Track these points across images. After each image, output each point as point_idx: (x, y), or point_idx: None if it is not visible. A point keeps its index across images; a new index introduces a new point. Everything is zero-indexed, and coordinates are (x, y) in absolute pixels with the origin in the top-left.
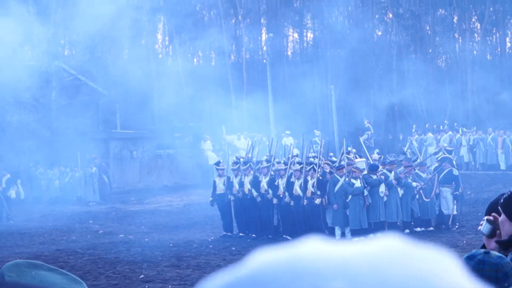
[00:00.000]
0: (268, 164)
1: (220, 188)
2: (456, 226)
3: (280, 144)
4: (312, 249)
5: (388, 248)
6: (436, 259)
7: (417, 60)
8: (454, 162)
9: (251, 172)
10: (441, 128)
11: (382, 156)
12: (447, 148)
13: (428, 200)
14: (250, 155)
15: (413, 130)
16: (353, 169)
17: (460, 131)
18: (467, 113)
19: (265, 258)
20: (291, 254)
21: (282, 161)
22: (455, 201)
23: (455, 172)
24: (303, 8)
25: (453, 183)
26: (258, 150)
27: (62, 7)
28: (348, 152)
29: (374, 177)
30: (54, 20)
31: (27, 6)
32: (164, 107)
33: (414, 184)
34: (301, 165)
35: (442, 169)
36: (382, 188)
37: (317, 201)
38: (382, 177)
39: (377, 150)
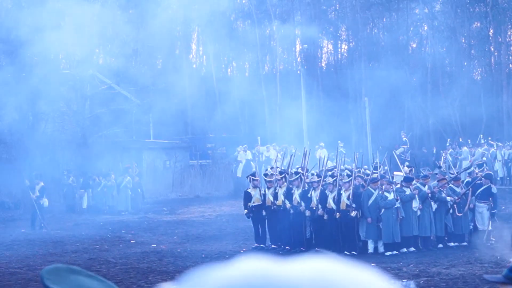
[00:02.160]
0: (298, 176)
1: (257, 199)
2: (492, 241)
3: (314, 156)
4: (251, 268)
5: (321, 268)
6: (365, 280)
7: (452, 73)
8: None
9: (285, 183)
10: (475, 141)
11: (413, 169)
12: (477, 163)
13: (461, 214)
14: (282, 167)
15: (448, 144)
16: (385, 183)
17: (495, 145)
18: (502, 127)
19: (213, 277)
20: (231, 273)
21: (315, 173)
22: (490, 218)
23: (494, 189)
24: (337, 19)
25: (490, 199)
26: (291, 162)
27: (97, 16)
28: (378, 166)
29: (408, 190)
30: (88, 29)
31: (62, 15)
32: (197, 117)
33: (448, 198)
34: (335, 178)
35: (480, 185)
36: (415, 204)
37: (353, 213)
38: (416, 191)
39: (407, 163)
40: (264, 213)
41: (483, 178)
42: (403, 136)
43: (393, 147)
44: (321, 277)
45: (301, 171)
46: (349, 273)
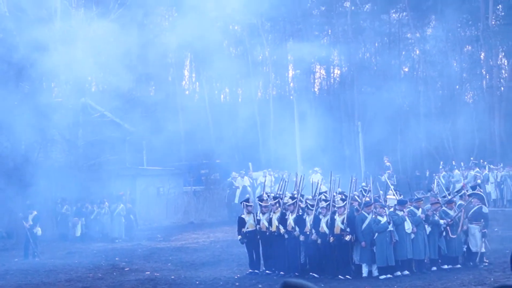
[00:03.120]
0: (295, 201)
1: (251, 225)
2: (485, 264)
3: (308, 181)
4: None
5: None
6: None
7: (444, 96)
8: (485, 199)
9: (279, 209)
10: (468, 164)
11: (401, 196)
12: (471, 185)
13: (455, 236)
14: (280, 192)
15: (440, 167)
16: (378, 206)
17: (487, 168)
18: (494, 149)
19: None
20: None
21: (310, 197)
22: (483, 239)
23: (485, 209)
24: (330, 44)
25: (482, 220)
26: (285, 187)
27: (89, 43)
28: (369, 190)
29: (400, 213)
30: (80, 57)
31: (54, 42)
32: (191, 144)
33: (442, 221)
34: (328, 202)
35: (471, 206)
36: (408, 226)
37: (347, 237)
38: (404, 213)
39: (392, 187)
40: (258, 237)
41: (473, 199)
42: (386, 161)
43: (378, 174)
44: None
45: (296, 196)
46: None
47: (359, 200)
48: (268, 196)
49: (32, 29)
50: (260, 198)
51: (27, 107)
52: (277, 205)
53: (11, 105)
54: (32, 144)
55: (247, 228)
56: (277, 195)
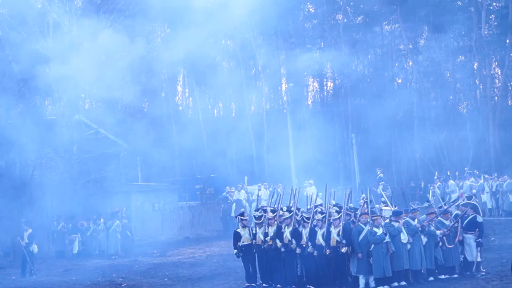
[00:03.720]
0: (291, 214)
1: (247, 238)
2: (482, 273)
3: (303, 193)
4: None
5: None
6: None
7: (438, 107)
8: (479, 208)
9: (275, 222)
10: (463, 174)
11: (396, 207)
12: (467, 195)
13: (452, 246)
14: (275, 206)
15: (435, 178)
16: (374, 217)
17: (482, 177)
18: (489, 159)
19: None
20: None
21: (305, 210)
22: (479, 248)
23: (479, 219)
24: (322, 57)
25: (477, 229)
26: (280, 200)
27: (82, 61)
28: (368, 202)
29: (396, 224)
30: (74, 75)
31: (47, 61)
32: (185, 159)
33: (438, 232)
34: (324, 215)
35: (466, 216)
36: (404, 236)
37: (344, 249)
38: (400, 224)
39: (383, 199)
40: (254, 251)
41: (467, 209)
42: (378, 172)
43: (373, 186)
44: None
45: (292, 209)
46: None
47: (351, 212)
48: (263, 210)
49: (25, 47)
50: (241, 213)
51: (21, 125)
52: (274, 218)
53: (5, 124)
54: (27, 162)
55: (243, 242)
56: (274, 209)
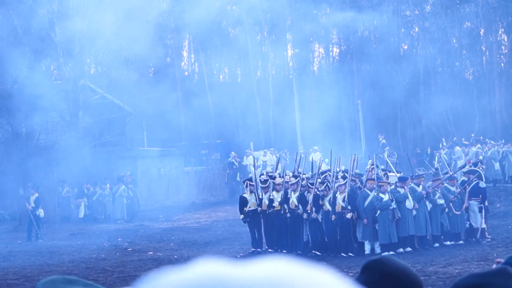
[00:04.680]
0: (297, 180)
1: (253, 204)
2: (488, 239)
3: (308, 159)
4: (205, 271)
5: (279, 271)
6: (322, 281)
7: (444, 74)
8: (483, 175)
9: (282, 188)
10: (469, 140)
11: (401, 173)
12: (473, 161)
13: (459, 213)
14: (278, 172)
15: (443, 144)
16: (381, 183)
17: (489, 144)
18: (495, 126)
19: (169, 280)
20: (191, 277)
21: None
22: (482, 214)
23: (482, 184)
24: (328, 23)
25: (480, 196)
26: (285, 166)
27: (88, 26)
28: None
29: (402, 190)
30: (79, 39)
31: (53, 26)
32: (191, 124)
33: (440, 201)
34: (325, 184)
35: (470, 182)
36: (409, 203)
37: (348, 215)
38: (406, 190)
39: (382, 167)
40: (260, 216)
41: (471, 176)
42: (381, 139)
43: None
44: (276, 279)
45: (304, 175)
46: (305, 274)
47: (356, 178)
48: (269, 176)
49: (31, 11)
50: (249, 178)
51: (27, 89)
52: (281, 184)
53: (12, 88)
54: (33, 127)
55: (249, 207)
56: (280, 175)
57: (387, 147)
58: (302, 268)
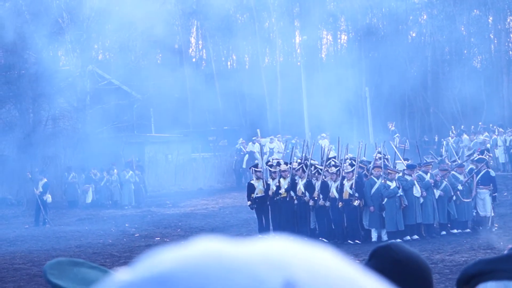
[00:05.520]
0: (304, 166)
1: (260, 190)
2: (495, 228)
3: (316, 146)
4: (209, 249)
5: (279, 249)
6: (324, 260)
7: (452, 61)
8: (491, 163)
9: (288, 175)
10: (476, 129)
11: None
12: (481, 150)
13: (468, 200)
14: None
15: (453, 132)
16: (389, 171)
17: (496, 131)
18: (503, 114)
19: (167, 257)
20: (189, 255)
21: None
22: (493, 203)
23: (492, 173)
24: (336, 10)
25: (491, 184)
26: (293, 153)
27: (96, 12)
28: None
29: (409, 178)
30: (87, 25)
31: (61, 12)
32: (198, 111)
33: (437, 193)
34: (337, 168)
35: (479, 171)
36: (416, 190)
37: (356, 202)
38: (413, 178)
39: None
40: (268, 203)
41: (480, 164)
42: (390, 126)
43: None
44: (275, 257)
45: (308, 162)
46: (305, 253)
47: (365, 166)
48: (277, 163)
49: None
50: (255, 165)
51: (35, 75)
52: (288, 170)
53: (19, 74)
54: (41, 113)
55: (257, 193)
56: (286, 162)
57: (397, 134)
58: (304, 247)
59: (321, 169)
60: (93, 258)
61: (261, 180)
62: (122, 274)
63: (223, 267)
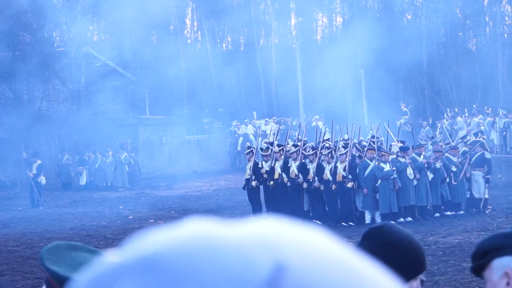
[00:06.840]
0: (297, 149)
1: (247, 173)
2: (489, 210)
3: (310, 128)
4: (198, 231)
5: (270, 230)
6: (313, 240)
7: (447, 44)
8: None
9: (282, 157)
10: (471, 111)
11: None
12: (474, 132)
13: (456, 183)
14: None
15: (448, 114)
16: (383, 153)
17: (500, 113)
18: (497, 96)
19: (156, 239)
20: (179, 236)
21: (311, 145)
22: (486, 185)
23: (487, 155)
24: None
25: (485, 166)
26: (288, 135)
27: None
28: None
29: (403, 160)
30: (82, 6)
31: None
32: (193, 93)
33: (431, 175)
34: (330, 150)
35: (474, 153)
36: (410, 172)
37: (349, 185)
38: (408, 160)
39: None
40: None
41: (475, 146)
42: (403, 106)
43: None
44: (265, 238)
45: (299, 144)
46: (296, 234)
47: (360, 148)
48: (270, 144)
49: None
50: (261, 147)
51: (29, 56)
52: (281, 152)
53: (13, 55)
54: (35, 94)
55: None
56: (279, 144)
57: (406, 116)
58: (295, 228)
59: (315, 152)
60: (87, 240)
61: (269, 162)
62: (110, 256)
63: (212, 249)
